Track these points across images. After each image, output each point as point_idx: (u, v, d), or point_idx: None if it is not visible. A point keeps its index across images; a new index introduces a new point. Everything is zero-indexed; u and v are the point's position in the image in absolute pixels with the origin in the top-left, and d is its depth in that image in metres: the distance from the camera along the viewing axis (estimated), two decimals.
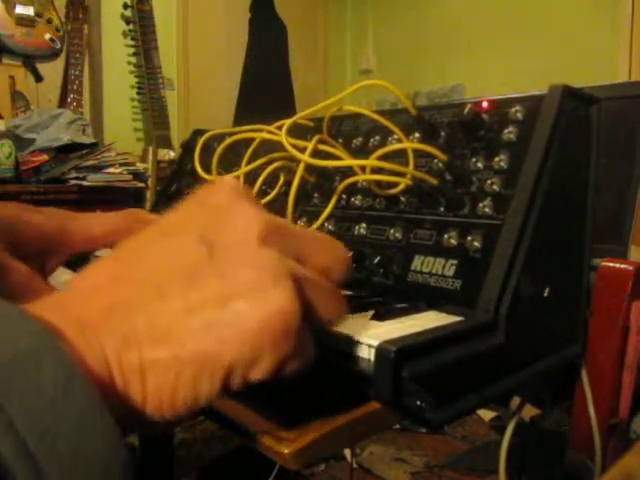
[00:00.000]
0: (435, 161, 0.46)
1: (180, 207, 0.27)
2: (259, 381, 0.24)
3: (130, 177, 2.02)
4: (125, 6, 2.62)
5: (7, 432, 0.18)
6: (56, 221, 0.43)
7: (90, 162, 1.94)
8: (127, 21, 2.65)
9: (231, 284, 0.23)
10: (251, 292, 0.23)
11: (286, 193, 0.53)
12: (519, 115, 0.43)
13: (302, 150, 0.49)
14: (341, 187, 0.51)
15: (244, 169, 0.57)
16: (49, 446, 0.18)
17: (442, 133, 0.48)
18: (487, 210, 0.41)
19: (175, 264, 0.24)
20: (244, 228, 0.25)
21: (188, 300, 0.23)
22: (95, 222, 0.44)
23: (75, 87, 2.50)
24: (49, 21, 2.46)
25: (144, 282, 0.24)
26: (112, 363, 0.22)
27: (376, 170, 0.48)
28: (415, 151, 0.47)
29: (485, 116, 0.45)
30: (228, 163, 0.61)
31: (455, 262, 0.41)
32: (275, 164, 0.55)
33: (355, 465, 1.62)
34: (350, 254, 0.31)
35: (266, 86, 3.32)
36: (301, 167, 0.50)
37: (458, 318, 0.38)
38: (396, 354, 0.29)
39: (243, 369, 0.23)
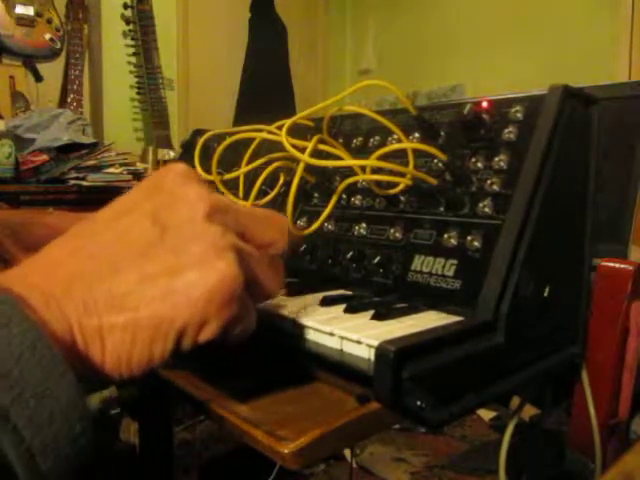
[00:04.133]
0: (435, 161, 0.46)
1: (133, 190, 0.30)
2: (206, 342, 0.27)
3: (130, 177, 2.02)
4: (125, 6, 2.62)
5: None
6: (67, 222, 0.45)
7: (90, 162, 1.94)
8: (127, 21, 2.65)
9: (181, 257, 0.26)
10: (199, 263, 0.26)
11: (286, 193, 0.53)
12: (519, 115, 0.43)
13: (302, 150, 0.49)
14: (341, 187, 0.51)
15: (244, 169, 0.57)
16: (16, 395, 0.21)
17: (442, 133, 0.48)
18: (487, 210, 0.41)
19: (129, 241, 0.27)
20: (192, 207, 0.28)
21: (142, 272, 0.26)
22: None
23: (75, 87, 2.50)
24: (49, 21, 2.46)
25: (100, 256, 0.26)
26: (74, 327, 0.25)
27: (376, 170, 0.48)
28: (415, 151, 0.47)
29: (485, 116, 0.45)
30: (228, 163, 0.61)
31: (455, 262, 0.41)
32: (275, 164, 0.55)
33: (355, 465, 1.62)
34: (287, 222, 0.34)
35: (266, 86, 3.32)
36: (301, 167, 0.50)
37: (458, 318, 0.38)
38: (396, 354, 0.29)
39: (193, 331, 0.26)
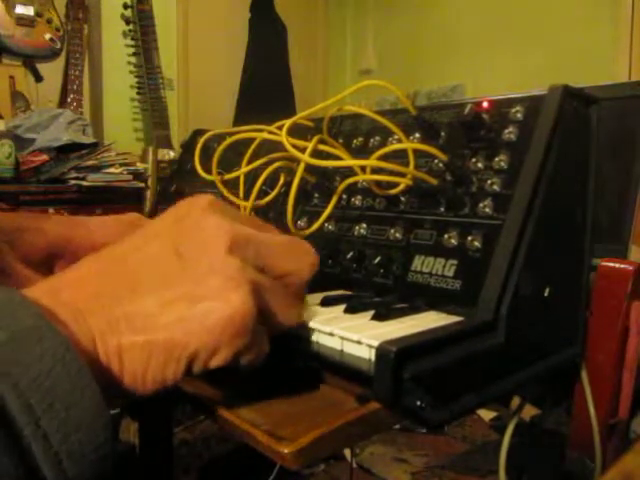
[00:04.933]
0: (435, 161, 0.46)
1: (163, 216, 0.32)
2: (217, 367, 0.28)
3: (130, 177, 2.02)
4: (125, 6, 2.62)
5: (13, 391, 0.22)
6: (62, 229, 0.47)
7: (90, 162, 1.94)
8: (127, 21, 2.65)
9: (199, 287, 0.28)
10: (216, 295, 0.28)
11: (286, 193, 0.53)
12: (519, 115, 0.43)
13: (302, 150, 0.49)
14: (341, 187, 0.51)
15: (244, 169, 0.57)
16: (48, 405, 0.22)
17: (442, 133, 0.48)
18: (487, 210, 0.41)
19: (152, 267, 0.29)
20: (214, 240, 0.29)
21: (162, 298, 0.27)
22: (95, 228, 0.48)
23: (75, 87, 2.50)
24: (49, 21, 2.46)
25: (125, 279, 0.28)
26: (97, 343, 0.26)
27: (376, 170, 0.48)
28: (415, 151, 0.47)
29: (485, 116, 0.45)
30: (228, 163, 0.61)
31: (455, 262, 0.41)
32: (275, 164, 0.55)
33: (355, 465, 1.62)
34: (317, 256, 0.35)
35: (266, 86, 3.32)
36: (301, 167, 0.50)
37: (458, 318, 0.38)
38: (396, 354, 0.29)
39: (204, 357, 0.28)
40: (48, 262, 0.45)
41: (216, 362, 0.28)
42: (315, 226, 0.51)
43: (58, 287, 0.28)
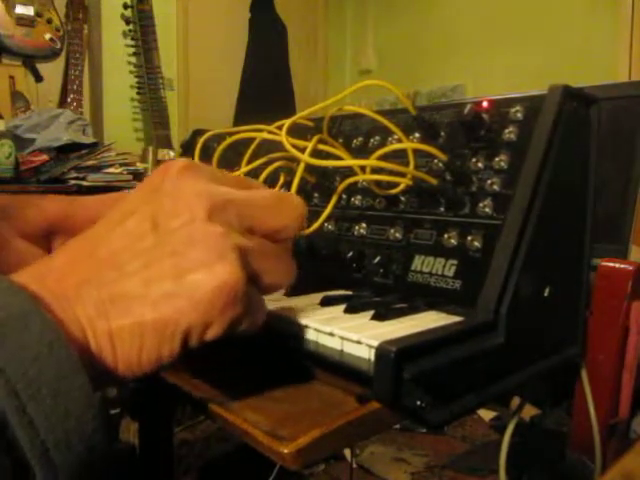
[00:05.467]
0: (435, 161, 0.46)
1: (136, 189, 0.30)
2: (213, 340, 0.28)
3: (130, 177, 2.02)
4: (125, 6, 2.62)
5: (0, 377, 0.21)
6: (60, 205, 0.46)
7: (90, 162, 1.93)
8: (127, 21, 2.65)
9: (183, 261, 0.27)
10: (200, 267, 0.26)
11: None
12: (519, 115, 0.43)
13: (302, 150, 0.49)
14: (341, 187, 0.51)
15: (244, 169, 0.57)
16: (34, 392, 0.22)
17: (442, 133, 0.48)
18: (487, 210, 0.41)
19: (131, 246, 0.27)
20: (191, 208, 0.28)
21: (146, 276, 0.27)
22: (92, 204, 0.47)
23: (75, 87, 2.50)
24: (49, 21, 2.46)
25: (107, 261, 0.27)
26: (87, 331, 0.25)
27: (376, 170, 0.48)
28: (415, 151, 0.47)
29: (485, 116, 0.45)
30: (228, 163, 0.61)
31: (455, 262, 0.41)
32: (275, 164, 0.55)
33: (355, 465, 1.62)
34: (304, 207, 0.33)
35: (266, 86, 3.32)
36: (301, 167, 0.50)
37: (458, 318, 0.38)
38: (396, 354, 0.29)
39: (198, 332, 0.27)
40: (47, 238, 0.45)
41: (212, 335, 0.27)
42: (315, 226, 0.51)
43: (44, 273, 0.27)
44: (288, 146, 0.48)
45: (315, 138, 0.50)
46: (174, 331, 0.26)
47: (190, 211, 0.28)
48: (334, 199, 0.52)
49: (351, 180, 0.49)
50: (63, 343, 0.23)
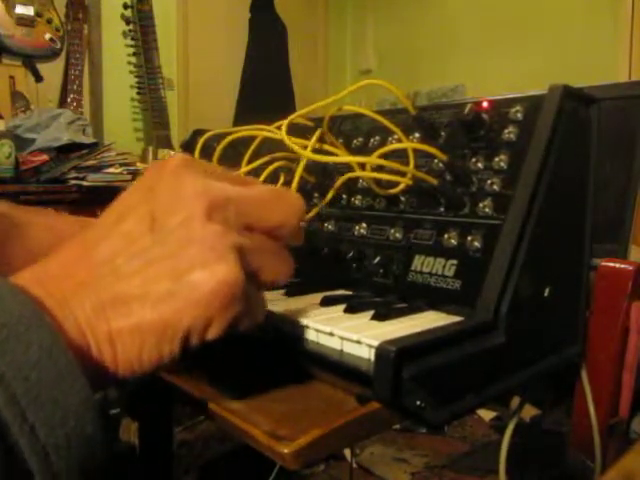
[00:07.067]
0: (435, 161, 0.46)
1: (132, 188, 0.30)
2: (215, 339, 0.28)
3: (130, 177, 2.01)
4: (125, 6, 2.62)
5: None
6: (72, 227, 0.48)
7: (90, 162, 1.93)
8: (127, 21, 2.65)
9: (181, 262, 0.26)
10: (199, 267, 0.26)
11: None
12: (519, 115, 0.43)
13: (303, 148, 0.49)
14: (340, 181, 0.51)
15: (244, 169, 0.57)
16: (34, 397, 0.22)
17: (442, 133, 0.48)
18: (487, 210, 0.41)
19: (129, 246, 0.27)
20: (189, 207, 0.27)
21: (144, 277, 0.26)
22: None
23: (75, 87, 2.50)
24: (49, 21, 2.45)
25: (105, 262, 0.27)
26: (87, 333, 0.25)
27: (376, 169, 0.48)
28: (415, 151, 0.47)
29: (485, 116, 0.45)
30: (228, 163, 0.61)
31: (455, 262, 0.41)
32: (275, 164, 0.55)
33: (355, 465, 1.62)
34: (302, 201, 0.32)
35: (266, 86, 3.32)
36: (301, 166, 0.50)
37: (458, 318, 0.38)
38: (396, 354, 0.29)
39: (199, 331, 0.27)
40: None
41: (212, 334, 0.27)
42: (311, 214, 0.51)
43: (43, 276, 0.27)
44: (288, 142, 0.48)
45: (316, 133, 0.49)
46: (174, 331, 0.26)
47: (188, 209, 0.27)
48: (331, 192, 0.51)
49: (351, 175, 0.49)
50: (62, 348, 0.23)
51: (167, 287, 0.26)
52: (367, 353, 0.32)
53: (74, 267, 0.27)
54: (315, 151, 0.49)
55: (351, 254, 0.47)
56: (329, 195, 0.52)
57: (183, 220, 0.27)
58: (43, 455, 0.22)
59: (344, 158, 0.49)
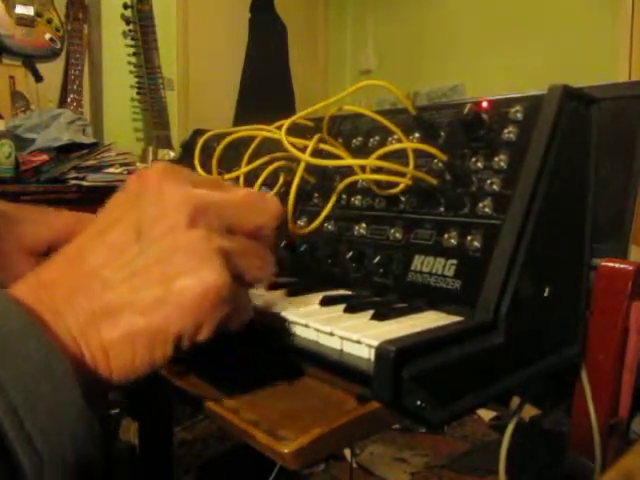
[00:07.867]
0: (435, 161, 0.46)
1: (118, 196, 0.31)
2: (205, 340, 0.28)
3: None
4: (125, 6, 2.62)
5: None
6: (67, 221, 0.47)
7: (90, 162, 1.93)
8: (127, 21, 2.64)
9: (168, 268, 0.27)
10: (186, 273, 0.27)
11: (286, 193, 0.53)
12: (519, 115, 0.43)
13: (302, 149, 0.49)
14: (341, 186, 0.51)
15: (244, 169, 0.57)
16: (31, 406, 0.23)
17: (442, 133, 0.48)
18: (487, 210, 0.41)
19: (116, 255, 0.28)
20: (173, 215, 0.28)
21: (132, 286, 0.27)
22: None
23: (75, 87, 2.50)
24: (49, 21, 2.45)
25: (94, 272, 0.28)
26: (80, 343, 0.26)
27: (376, 170, 0.48)
28: (415, 151, 0.47)
29: (485, 116, 0.45)
30: (228, 163, 0.61)
31: (455, 262, 0.41)
32: (275, 164, 0.55)
33: (355, 465, 1.62)
34: (279, 202, 0.34)
35: (266, 86, 3.32)
36: (301, 167, 0.50)
37: (458, 318, 0.38)
38: (396, 354, 0.29)
39: (189, 335, 0.28)
40: (52, 253, 0.46)
41: (203, 336, 0.28)
42: (314, 225, 0.51)
43: (36, 286, 0.27)
44: (287, 145, 0.48)
45: (315, 137, 0.50)
46: (165, 337, 0.27)
47: (171, 218, 0.28)
48: (333, 198, 0.52)
49: (351, 179, 0.49)
50: (59, 357, 0.24)
51: (156, 294, 0.27)
52: (367, 353, 0.32)
53: (66, 275, 0.28)
54: (315, 153, 0.49)
55: (351, 254, 0.47)
56: (330, 203, 0.52)
57: (167, 229, 0.28)
58: (39, 463, 0.22)
59: (343, 162, 0.49)
